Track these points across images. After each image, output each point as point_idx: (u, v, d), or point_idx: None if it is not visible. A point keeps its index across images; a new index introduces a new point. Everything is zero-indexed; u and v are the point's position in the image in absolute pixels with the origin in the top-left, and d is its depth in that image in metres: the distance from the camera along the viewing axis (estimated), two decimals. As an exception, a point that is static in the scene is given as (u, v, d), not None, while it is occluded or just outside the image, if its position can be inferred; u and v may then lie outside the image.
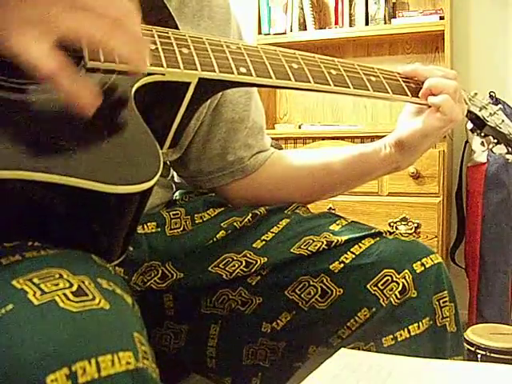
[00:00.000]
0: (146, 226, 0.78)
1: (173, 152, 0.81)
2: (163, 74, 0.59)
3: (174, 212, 0.81)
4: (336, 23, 2.59)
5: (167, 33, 0.62)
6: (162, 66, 0.58)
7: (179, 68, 0.59)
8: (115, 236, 0.52)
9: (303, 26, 2.59)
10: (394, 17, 2.48)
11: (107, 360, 0.38)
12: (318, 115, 2.74)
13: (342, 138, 2.30)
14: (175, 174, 0.93)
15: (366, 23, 2.48)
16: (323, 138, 2.34)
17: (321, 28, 2.61)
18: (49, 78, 0.45)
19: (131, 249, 0.73)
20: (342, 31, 2.54)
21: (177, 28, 0.66)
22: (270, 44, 2.47)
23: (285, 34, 2.59)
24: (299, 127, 2.62)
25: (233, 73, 0.63)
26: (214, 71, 0.61)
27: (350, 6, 2.54)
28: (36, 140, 0.46)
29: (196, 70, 0.60)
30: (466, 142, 2.32)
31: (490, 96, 2.22)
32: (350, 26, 2.53)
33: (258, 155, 0.87)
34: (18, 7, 0.45)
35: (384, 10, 2.45)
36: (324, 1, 2.68)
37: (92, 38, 0.47)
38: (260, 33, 2.63)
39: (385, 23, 2.46)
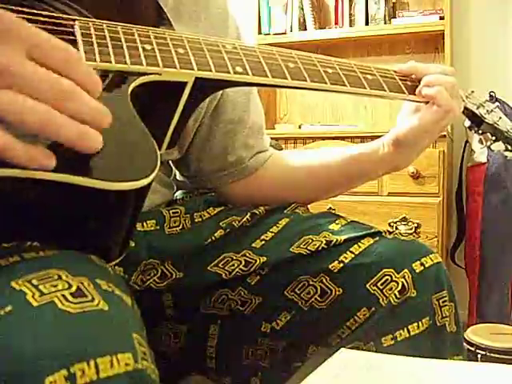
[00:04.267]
0: (145, 224, 0.78)
1: (174, 151, 0.81)
2: (159, 74, 0.59)
3: (174, 210, 0.81)
4: (336, 23, 2.59)
5: (163, 33, 0.63)
6: (158, 66, 0.59)
7: (175, 67, 0.60)
8: (113, 234, 0.52)
9: (303, 26, 2.59)
10: (394, 17, 2.48)
11: (106, 361, 0.38)
12: (318, 115, 2.74)
13: (342, 138, 2.30)
14: (177, 174, 0.93)
15: (366, 23, 2.48)
16: (323, 138, 2.34)
17: (321, 28, 2.61)
18: None
19: (132, 244, 0.73)
20: (341, 31, 2.54)
21: (172, 29, 0.66)
22: (270, 44, 2.47)
23: (285, 33, 2.59)
24: (299, 127, 2.62)
25: (229, 72, 0.63)
26: (210, 71, 0.62)
27: (350, 6, 2.54)
28: (33, 138, 0.46)
29: (192, 69, 0.61)
30: (466, 142, 2.32)
31: (490, 96, 2.22)
32: (350, 26, 2.53)
33: (257, 155, 0.87)
34: None
35: (384, 10, 2.45)
36: (324, 1, 2.68)
37: (24, 125, 0.41)
38: (260, 33, 2.63)
39: (385, 23, 2.46)
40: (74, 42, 0.55)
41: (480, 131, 0.88)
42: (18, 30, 0.42)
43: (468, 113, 0.87)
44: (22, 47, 0.42)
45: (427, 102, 0.76)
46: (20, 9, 0.55)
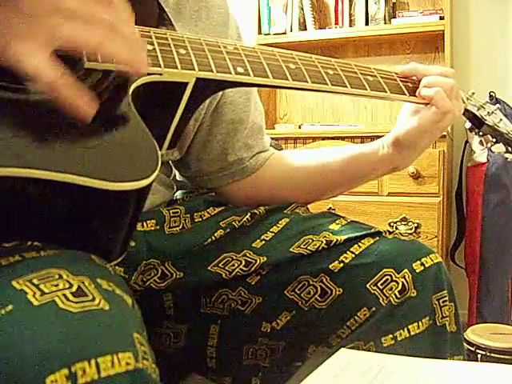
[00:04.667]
0: (145, 224, 0.78)
1: (174, 152, 0.81)
2: (161, 74, 0.59)
3: (174, 210, 0.81)
4: (336, 23, 2.59)
5: (165, 34, 0.63)
6: (160, 66, 0.59)
7: (177, 68, 0.60)
8: (114, 234, 0.52)
9: (303, 26, 2.59)
10: (394, 17, 2.48)
11: (107, 361, 0.38)
12: (318, 115, 2.74)
13: (342, 138, 2.30)
14: (177, 174, 0.93)
15: (366, 23, 2.48)
16: (323, 138, 2.33)
17: (321, 28, 2.61)
18: (48, 88, 0.46)
19: (133, 244, 0.73)
20: (342, 31, 2.53)
21: (174, 29, 0.66)
22: (270, 44, 2.47)
23: (285, 33, 2.59)
24: (299, 127, 2.62)
25: (230, 73, 0.63)
26: (212, 71, 0.62)
27: (350, 6, 2.54)
28: (34, 138, 0.46)
29: (193, 69, 0.61)
30: (466, 142, 2.32)
31: (490, 96, 2.22)
32: (350, 26, 2.53)
33: (258, 156, 0.87)
34: (16, 17, 0.46)
35: (384, 9, 2.45)
36: (324, 1, 2.68)
37: (90, 45, 0.49)
38: (260, 33, 2.63)
39: (385, 23, 2.46)
40: None
41: (481, 133, 0.88)
42: None
43: (469, 114, 0.87)
44: None
45: (427, 104, 0.76)
46: None
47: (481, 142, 0.89)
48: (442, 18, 2.35)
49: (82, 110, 0.47)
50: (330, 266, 0.72)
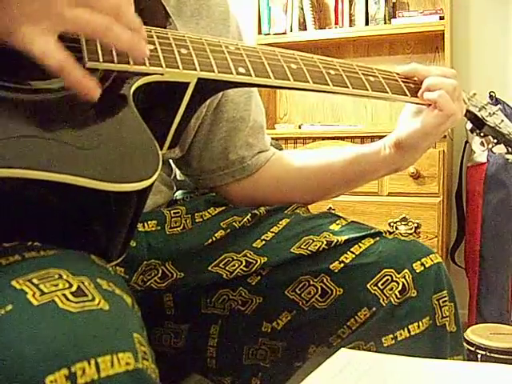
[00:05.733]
0: (146, 224, 0.78)
1: (175, 150, 0.81)
2: (162, 74, 0.59)
3: (175, 210, 0.81)
4: (336, 23, 2.59)
5: (166, 33, 0.62)
6: (161, 66, 0.58)
7: (178, 68, 0.59)
8: (115, 235, 0.52)
9: (303, 26, 2.59)
10: (394, 17, 2.48)
11: (107, 361, 0.38)
12: (318, 115, 2.74)
13: (342, 138, 2.30)
14: (178, 172, 0.93)
15: (366, 23, 2.48)
16: (323, 138, 2.34)
17: (321, 28, 2.61)
18: (57, 69, 0.49)
19: (133, 244, 0.73)
20: (342, 31, 2.54)
21: (175, 28, 0.66)
22: (270, 44, 2.47)
23: (285, 33, 2.59)
24: (299, 127, 2.62)
25: (232, 73, 0.63)
26: (213, 71, 0.62)
27: (350, 6, 2.54)
28: (35, 139, 0.46)
29: (195, 70, 0.61)
30: (466, 142, 2.32)
31: (490, 96, 2.22)
32: (350, 26, 2.53)
33: (259, 155, 0.87)
34: (23, 3, 0.48)
35: (384, 9, 2.45)
36: (324, 1, 2.68)
37: (93, 31, 0.51)
38: (260, 33, 2.63)
39: (385, 23, 2.46)
40: (76, 42, 0.55)
41: (482, 134, 0.87)
42: None
43: (470, 115, 0.86)
44: None
45: (429, 105, 0.76)
46: None
47: (482, 143, 0.89)
48: (442, 18, 2.35)
49: (89, 89, 0.50)
50: (331, 267, 0.72)
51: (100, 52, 0.55)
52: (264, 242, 0.76)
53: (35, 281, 0.42)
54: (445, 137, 2.11)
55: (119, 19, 0.52)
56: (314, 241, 0.74)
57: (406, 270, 0.70)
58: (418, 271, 0.71)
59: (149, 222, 0.78)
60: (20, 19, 0.48)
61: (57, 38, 0.49)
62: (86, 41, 0.56)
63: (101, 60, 0.54)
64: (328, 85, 0.69)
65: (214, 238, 0.76)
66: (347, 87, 0.70)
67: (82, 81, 0.50)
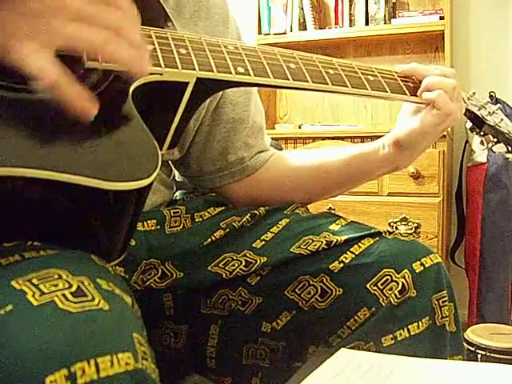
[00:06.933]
0: (145, 224, 0.78)
1: (174, 151, 0.81)
2: (161, 74, 0.59)
3: (175, 210, 0.81)
4: (336, 23, 2.59)
5: (165, 34, 0.63)
6: (160, 66, 0.59)
7: (177, 68, 0.59)
8: (114, 234, 0.52)
9: (303, 26, 2.59)
10: (394, 17, 2.48)
11: (106, 361, 0.38)
12: (318, 115, 2.74)
13: (342, 138, 2.30)
14: (177, 174, 0.93)
15: (366, 23, 2.48)
16: (323, 138, 2.34)
17: (321, 28, 2.62)
18: (51, 86, 0.47)
19: (133, 243, 0.73)
20: (342, 31, 2.54)
21: (174, 29, 0.66)
22: (270, 44, 2.47)
23: (285, 33, 2.59)
24: (299, 127, 2.62)
25: (231, 72, 0.63)
26: (212, 71, 0.62)
27: (350, 6, 2.54)
28: (34, 138, 0.46)
29: (194, 69, 0.61)
30: (466, 141, 2.32)
31: (490, 96, 2.22)
32: (350, 26, 2.53)
33: (258, 155, 0.87)
34: (20, 18, 0.47)
35: (384, 9, 2.45)
36: (324, 1, 2.68)
37: (91, 46, 0.49)
38: (260, 33, 2.63)
39: (385, 23, 2.46)
40: None
41: (481, 133, 0.88)
42: None
43: (470, 114, 0.87)
44: None
45: (428, 104, 0.76)
46: None
47: (482, 142, 0.89)
48: (442, 18, 2.35)
49: (84, 109, 0.48)
50: (330, 266, 0.72)
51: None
52: (264, 242, 0.76)
53: (35, 281, 0.42)
54: (444, 136, 2.11)
55: (121, 35, 0.50)
56: (313, 241, 0.74)
57: (405, 270, 0.70)
58: (417, 271, 0.71)
59: (148, 222, 0.78)
60: (16, 35, 0.47)
61: (53, 55, 0.48)
62: None
63: (100, 60, 0.54)
64: (327, 84, 0.69)
65: (213, 238, 0.77)
66: (346, 86, 0.70)
67: (76, 100, 0.48)
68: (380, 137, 0.84)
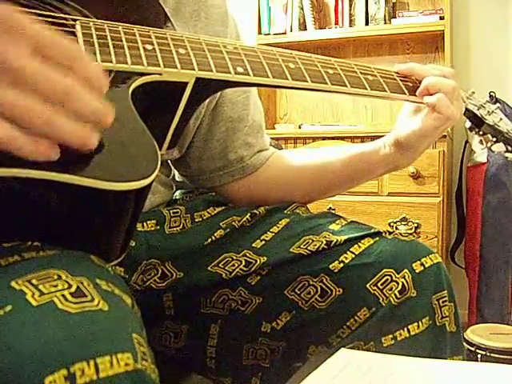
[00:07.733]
0: (145, 224, 0.78)
1: (174, 151, 0.81)
2: (160, 74, 0.59)
3: (174, 210, 0.81)
4: (336, 23, 2.59)
5: (164, 34, 0.63)
6: (159, 66, 0.58)
7: (176, 68, 0.59)
8: (114, 235, 0.52)
9: (303, 26, 2.59)
10: (394, 17, 2.48)
11: (106, 361, 0.38)
12: (318, 115, 2.74)
13: (342, 138, 2.30)
14: (176, 174, 0.93)
15: (366, 23, 2.48)
16: (323, 138, 2.34)
17: (321, 28, 2.62)
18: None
19: (133, 244, 0.73)
20: (341, 31, 2.54)
21: (173, 29, 0.66)
22: (270, 44, 2.47)
23: (285, 33, 2.59)
24: (299, 127, 2.62)
25: (230, 72, 0.63)
26: (211, 71, 0.62)
27: (350, 6, 2.54)
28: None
29: (193, 69, 0.61)
30: (466, 141, 2.32)
31: (490, 96, 2.22)
32: (350, 26, 2.54)
33: (258, 154, 0.87)
34: None
35: (384, 10, 2.45)
36: (324, 1, 2.68)
37: (29, 119, 0.41)
38: (260, 33, 2.63)
39: (385, 23, 2.46)
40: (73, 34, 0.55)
41: (481, 132, 0.88)
42: (22, 28, 0.42)
43: (469, 114, 0.87)
44: (26, 44, 0.41)
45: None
46: (20, 8, 0.55)
47: (481, 142, 0.89)
48: (442, 18, 2.35)
49: (45, 155, 0.42)
50: (330, 266, 0.72)
51: (98, 52, 0.55)
52: (263, 242, 0.76)
53: (34, 281, 0.42)
54: (445, 136, 2.11)
55: (68, 105, 0.42)
56: (313, 240, 0.74)
57: (405, 270, 0.70)
58: (417, 271, 0.71)
59: (148, 222, 0.78)
60: None
61: None
62: (84, 40, 0.56)
63: (99, 60, 0.54)
64: (326, 84, 0.69)
65: (213, 238, 0.76)
66: (345, 86, 0.70)
67: (35, 152, 0.41)
68: (380, 137, 0.84)
